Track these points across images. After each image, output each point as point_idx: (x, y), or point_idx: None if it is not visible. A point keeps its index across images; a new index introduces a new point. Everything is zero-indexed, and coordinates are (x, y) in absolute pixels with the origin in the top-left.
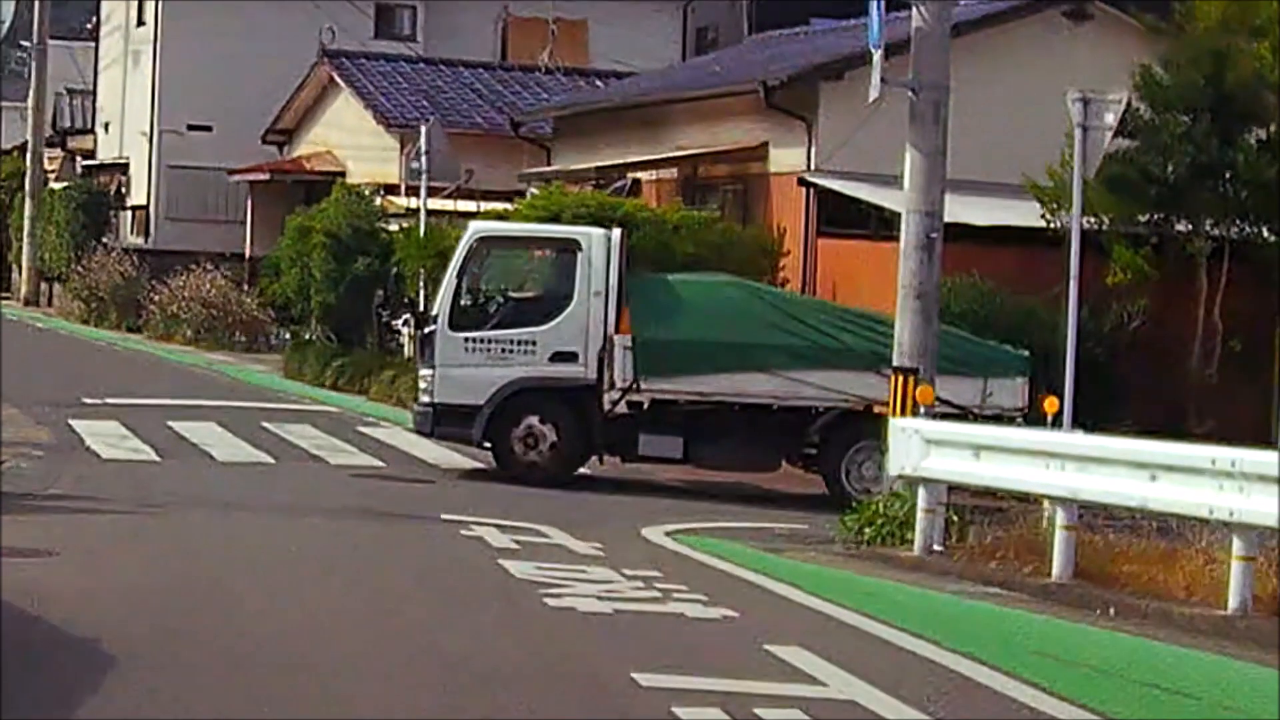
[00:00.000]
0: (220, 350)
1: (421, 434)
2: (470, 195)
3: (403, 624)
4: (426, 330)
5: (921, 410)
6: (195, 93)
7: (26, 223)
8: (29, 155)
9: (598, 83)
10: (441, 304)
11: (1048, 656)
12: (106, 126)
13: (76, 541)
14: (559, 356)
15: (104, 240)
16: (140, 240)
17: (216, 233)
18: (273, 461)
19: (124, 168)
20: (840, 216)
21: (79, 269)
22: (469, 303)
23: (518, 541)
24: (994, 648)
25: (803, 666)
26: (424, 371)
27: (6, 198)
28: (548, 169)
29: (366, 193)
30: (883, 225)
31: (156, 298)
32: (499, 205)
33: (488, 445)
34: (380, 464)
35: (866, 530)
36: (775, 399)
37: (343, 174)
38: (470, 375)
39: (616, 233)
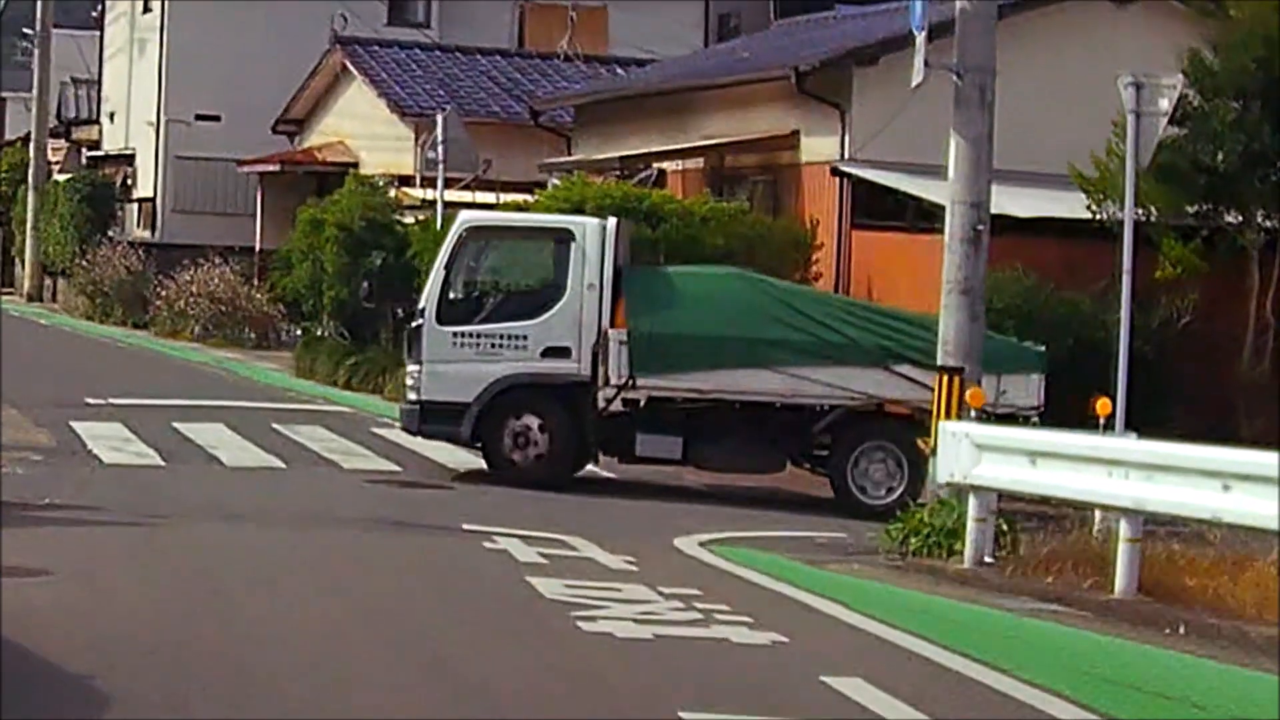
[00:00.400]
0: (229, 347)
1: (408, 433)
2: (489, 186)
3: (427, 654)
4: (413, 324)
5: (972, 413)
6: (203, 81)
7: (30, 216)
8: (32, 146)
9: (618, 70)
10: (429, 297)
11: (1125, 686)
12: (112, 116)
13: (74, 558)
14: (551, 352)
15: (109, 234)
16: (147, 233)
17: (225, 226)
18: (283, 466)
19: (130, 159)
20: (875, 208)
21: (83, 263)
22: (457, 296)
23: (545, 555)
24: (1065, 675)
25: (866, 703)
26: (411, 368)
27: (9, 190)
28: (569, 159)
29: (381, 184)
30: (920, 217)
31: (163, 293)
32: (519, 196)
33: (478, 445)
34: (396, 468)
35: (912, 540)
36: (778, 397)
37: (356, 165)
38: (459, 371)
39: (611, 222)
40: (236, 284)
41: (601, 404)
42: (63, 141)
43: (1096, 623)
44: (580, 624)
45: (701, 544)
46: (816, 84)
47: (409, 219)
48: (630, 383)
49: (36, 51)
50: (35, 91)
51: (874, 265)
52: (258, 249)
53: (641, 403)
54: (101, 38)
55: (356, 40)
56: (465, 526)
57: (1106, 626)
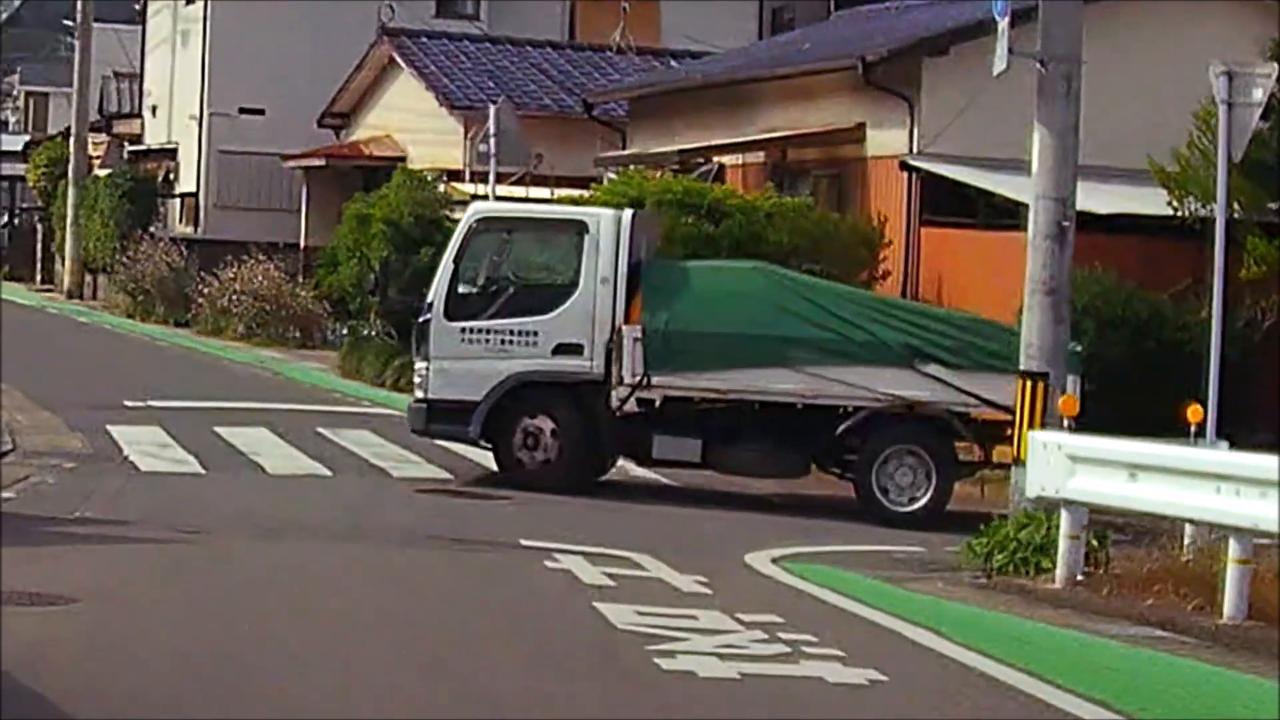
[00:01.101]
0: (273, 346)
1: (415, 433)
2: (543, 182)
3: (489, 699)
4: (421, 319)
5: (1065, 423)
6: (247, 74)
7: (70, 211)
8: (72, 141)
9: (672, 63)
10: (437, 291)
11: None
12: (154, 110)
13: (101, 582)
14: (563, 349)
15: (151, 230)
16: (189, 229)
17: (269, 221)
18: (329, 474)
19: (172, 153)
20: (944, 203)
21: (124, 260)
22: (467, 290)
23: (610, 576)
24: (1185, 713)
25: None
26: (419, 365)
27: (50, 185)
28: (625, 153)
29: (430, 179)
30: (993, 214)
31: (205, 290)
32: (574, 192)
33: (487, 445)
34: (448, 475)
35: (996, 556)
36: (799, 398)
37: (403, 159)
38: (467, 369)
39: (627, 214)
40: (280, 281)
41: (615, 404)
42: (104, 136)
43: (1206, 651)
44: (658, 660)
45: (775, 560)
46: (884, 75)
47: (459, 215)
48: (645, 381)
49: (77, 44)
50: (75, 85)
51: (944, 264)
52: (303, 245)
53: (657, 403)
54: (144, 30)
55: (404, 32)
56: (523, 542)
57: (1215, 655)
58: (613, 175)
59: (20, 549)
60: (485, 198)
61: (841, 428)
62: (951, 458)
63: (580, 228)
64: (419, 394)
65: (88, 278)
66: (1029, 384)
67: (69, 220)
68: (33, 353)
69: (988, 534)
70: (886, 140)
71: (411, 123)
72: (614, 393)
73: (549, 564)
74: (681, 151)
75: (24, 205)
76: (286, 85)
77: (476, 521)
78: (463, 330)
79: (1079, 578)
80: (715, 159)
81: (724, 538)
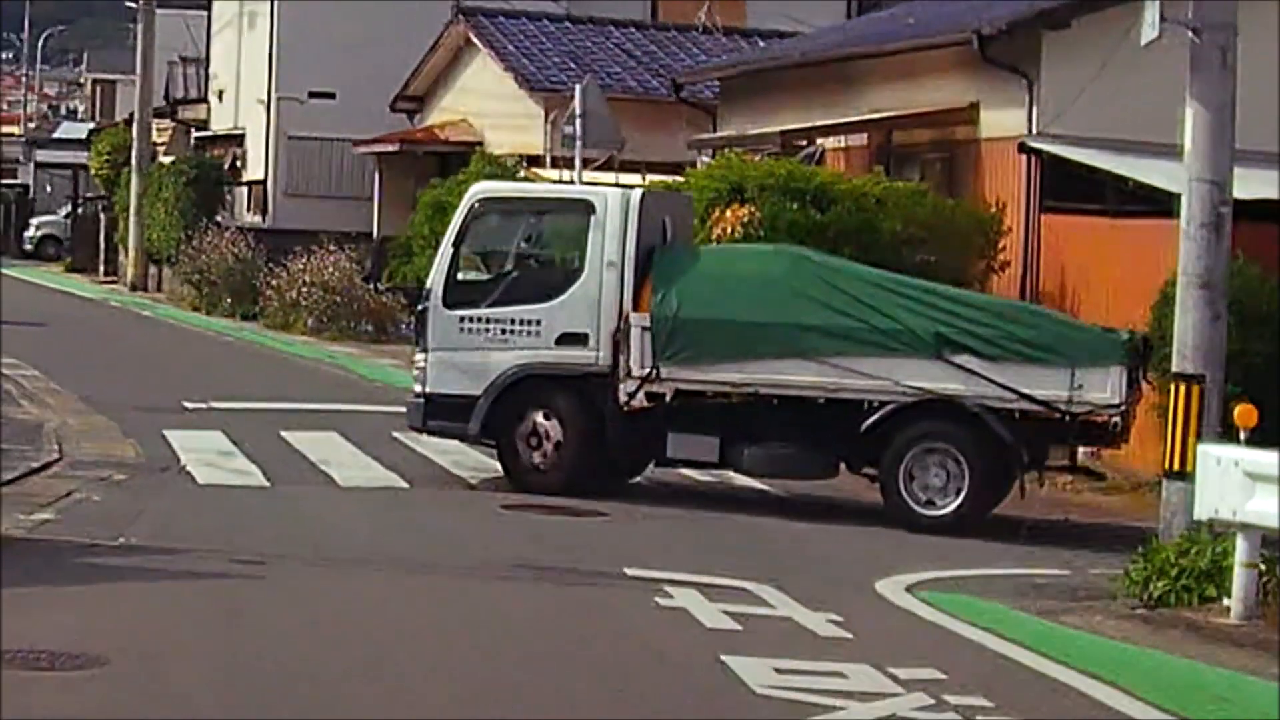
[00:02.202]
0: (344, 341)
1: (414, 430)
2: (632, 168)
3: None
4: (419, 308)
5: (1241, 435)
6: (316, 56)
7: (133, 200)
8: (135, 126)
9: (759, 43)
10: (435, 277)
11: None
12: (220, 95)
13: (138, 634)
14: (567, 338)
15: (217, 219)
16: (257, 218)
17: (340, 210)
18: (405, 486)
19: (239, 139)
20: (1066, 188)
21: (189, 250)
22: (467, 276)
23: (732, 615)
24: None
25: None
26: (417, 356)
27: (113, 173)
28: (721, 135)
29: (510, 164)
30: (1121, 199)
31: (274, 282)
32: (666, 178)
33: (490, 443)
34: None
35: (1155, 584)
36: (820, 391)
37: (480, 144)
38: (467, 361)
39: (636, 194)
40: (353, 272)
41: (623, 398)
42: (168, 122)
43: None
44: None
45: (909, 589)
46: (1001, 50)
47: None
48: (654, 374)
49: (140, 25)
50: (138, 68)
51: (1068, 254)
52: (376, 234)
53: (668, 397)
54: (209, 13)
55: (481, 11)
56: (628, 572)
57: None
58: (706, 159)
59: (46, 589)
60: (569, 184)
61: (865, 424)
62: (988, 458)
63: (586, 208)
64: (417, 388)
65: (152, 269)
66: (1183, 388)
67: (132, 209)
68: (89, 350)
69: (1147, 558)
70: (1002, 121)
71: (489, 106)
72: (621, 386)
73: (661, 601)
74: (783, 133)
75: (87, 195)
76: (357, 67)
77: (572, 543)
78: (462, 319)
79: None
80: (820, 140)
81: (842, 559)
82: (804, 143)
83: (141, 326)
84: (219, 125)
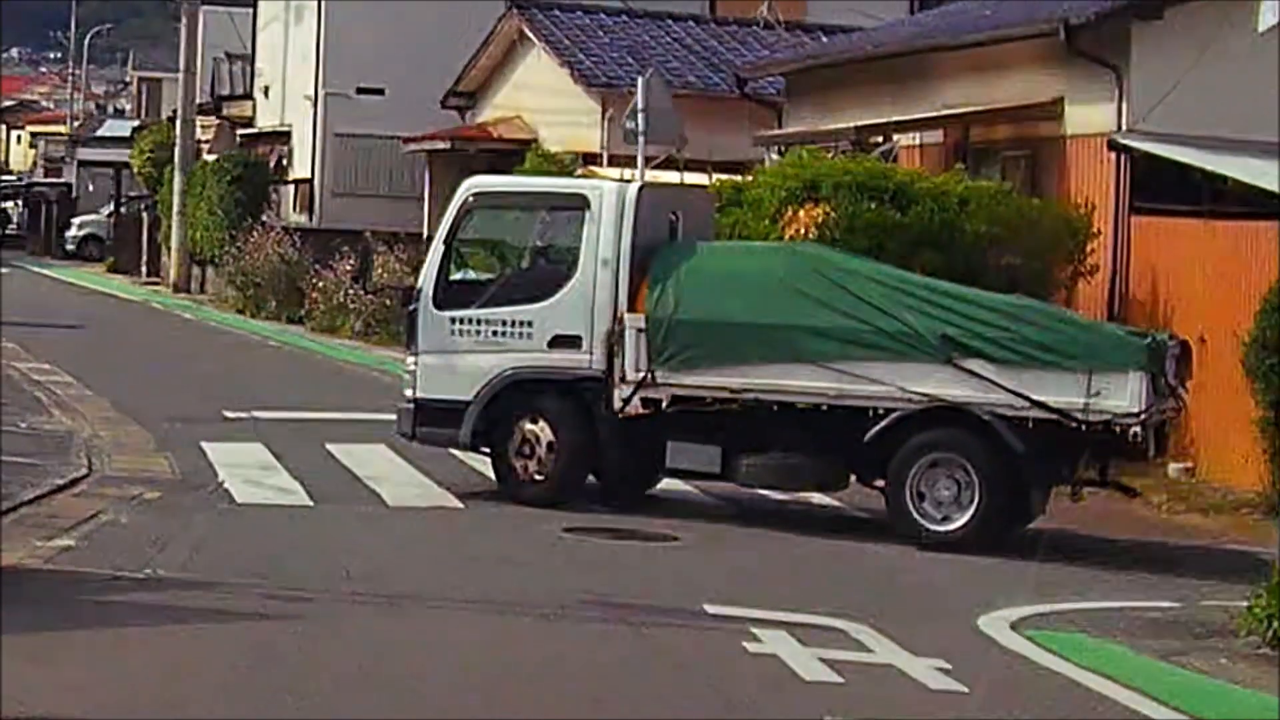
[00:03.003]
0: (393, 346)
1: (403, 437)
2: (698, 166)
3: None
4: (409, 308)
5: None
6: (365, 52)
7: (176, 199)
8: (178, 123)
9: (822, 38)
10: (426, 276)
11: None
12: (266, 91)
13: (153, 694)
14: (559, 341)
15: (262, 218)
16: (303, 218)
17: (389, 209)
18: (458, 505)
19: (285, 136)
20: (1157, 188)
21: (233, 251)
22: (459, 276)
23: (831, 663)
24: None
25: None
26: (408, 359)
27: (155, 172)
28: (791, 131)
29: (568, 162)
30: (1217, 200)
31: (320, 284)
32: (734, 178)
33: (485, 451)
34: (602, 508)
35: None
36: (822, 398)
37: (534, 142)
38: (457, 364)
39: (632, 188)
40: (402, 275)
41: (618, 404)
42: (213, 119)
43: None
44: None
45: (1014, 627)
46: (1089, 42)
47: None
48: (649, 379)
49: (183, 19)
50: (181, 62)
51: (1161, 258)
52: (425, 235)
53: (664, 403)
54: (255, 7)
55: (536, 4)
56: (709, 609)
57: None
58: (775, 156)
59: (55, 637)
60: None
61: (869, 434)
62: (1000, 470)
63: (581, 202)
64: (407, 393)
65: (195, 270)
66: None
67: (175, 208)
68: (126, 355)
69: (1269, 592)
70: (1089, 116)
71: (543, 102)
72: (616, 392)
73: (750, 646)
74: (858, 128)
75: (130, 194)
76: (407, 63)
77: (644, 573)
78: (453, 321)
79: None
80: (896, 137)
81: (935, 589)
82: (879, 139)
83: (182, 330)
84: (265, 122)
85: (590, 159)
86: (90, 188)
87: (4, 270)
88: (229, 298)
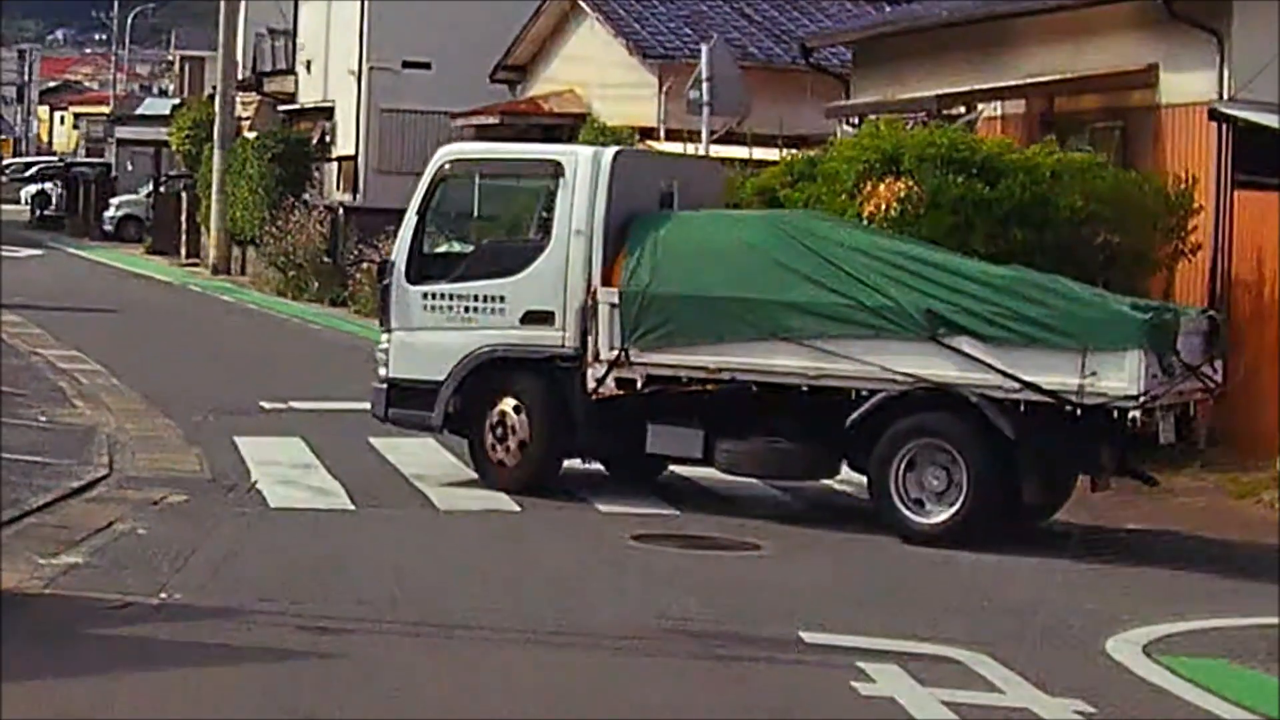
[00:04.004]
0: None
1: (376, 419)
2: (767, 141)
3: None
4: (383, 283)
5: None
6: (410, 24)
7: (215, 177)
8: (218, 99)
9: (886, 7)
10: (399, 249)
11: None
12: (308, 65)
13: None
14: (531, 317)
15: (304, 197)
16: (346, 196)
17: None
18: (515, 509)
19: (328, 112)
20: (1262, 161)
21: (274, 231)
22: (432, 248)
23: (955, 706)
24: None
25: None
26: (382, 337)
27: (194, 149)
28: (866, 101)
29: (627, 136)
30: None
31: (365, 265)
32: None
33: (460, 435)
34: (672, 511)
35: None
36: (801, 379)
37: (587, 116)
38: (430, 342)
39: (609, 152)
40: None
41: (591, 384)
42: (253, 95)
43: None
44: None
45: (1148, 652)
46: (1187, 5)
47: None
48: (623, 357)
49: None
50: (220, 35)
51: (1265, 234)
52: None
53: (639, 383)
54: None
55: None
56: (806, 638)
57: None
58: (848, 128)
59: (42, 686)
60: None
61: (852, 418)
62: (990, 457)
63: (555, 170)
64: (381, 372)
65: (235, 251)
66: None
67: (214, 187)
68: (160, 340)
69: None
70: (1185, 84)
71: (597, 75)
72: (589, 371)
73: (860, 687)
74: (940, 97)
75: (170, 173)
76: (454, 36)
77: (726, 593)
78: (425, 296)
79: None
80: (980, 106)
81: (1051, 606)
82: (964, 109)
83: (220, 313)
84: (307, 98)
85: (647, 133)
86: (130, 167)
87: (39, 252)
88: (269, 279)
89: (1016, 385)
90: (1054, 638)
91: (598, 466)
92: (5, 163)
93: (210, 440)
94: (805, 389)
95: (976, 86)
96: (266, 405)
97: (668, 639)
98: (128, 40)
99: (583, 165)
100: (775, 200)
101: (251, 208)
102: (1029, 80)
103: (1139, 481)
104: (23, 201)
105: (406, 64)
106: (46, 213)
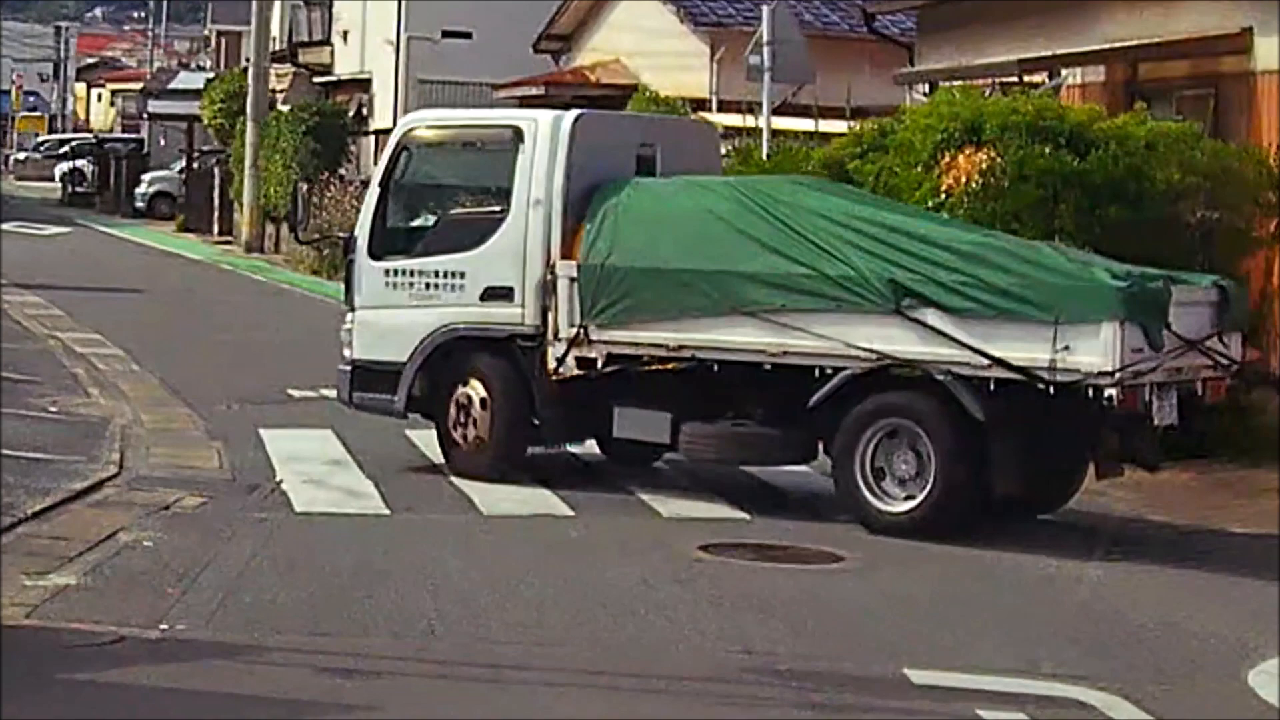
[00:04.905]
0: None
1: (342, 403)
2: (834, 112)
3: None
4: (348, 259)
5: None
6: None
7: (248, 152)
8: (250, 71)
9: None
10: (361, 224)
11: None
12: (345, 36)
13: None
14: (491, 293)
15: (340, 172)
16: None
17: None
18: (569, 512)
19: (365, 84)
20: None
21: (309, 207)
22: (395, 222)
23: None
24: None
25: None
26: (347, 316)
27: (226, 123)
28: (938, 68)
29: (678, 105)
30: None
31: None
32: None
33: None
34: (742, 515)
35: None
36: (763, 356)
37: (635, 87)
38: (392, 321)
39: (569, 116)
40: None
41: (552, 364)
42: (288, 66)
43: None
44: None
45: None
46: None
47: None
48: (582, 335)
49: None
50: (254, 4)
51: None
52: None
53: (600, 362)
54: None
55: None
56: (912, 676)
57: None
58: (919, 96)
59: None
60: (741, 131)
61: (814, 398)
62: (959, 440)
63: (515, 136)
64: (346, 353)
65: (270, 228)
66: None
67: (247, 162)
68: (186, 322)
69: None
70: None
71: (645, 44)
72: (550, 350)
73: None
74: (1021, 62)
75: (203, 149)
76: (496, 3)
77: (813, 619)
78: (387, 273)
79: None
80: (1064, 72)
81: (1174, 626)
82: (1049, 74)
83: (251, 293)
84: (343, 69)
85: (698, 105)
86: (162, 143)
87: (66, 230)
88: (304, 258)
89: (985, 361)
90: (1188, 670)
91: (659, 464)
92: (39, 140)
93: (233, 432)
94: (768, 367)
95: (1057, 51)
96: (295, 393)
97: (754, 681)
98: (164, 16)
99: (542, 131)
100: (844, 173)
101: (285, 183)
102: (1112, 45)
103: (1139, 466)
104: (56, 179)
105: (446, 33)
106: (78, 190)
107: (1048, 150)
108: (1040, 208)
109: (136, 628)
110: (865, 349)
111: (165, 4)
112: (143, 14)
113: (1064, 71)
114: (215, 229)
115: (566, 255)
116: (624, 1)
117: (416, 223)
